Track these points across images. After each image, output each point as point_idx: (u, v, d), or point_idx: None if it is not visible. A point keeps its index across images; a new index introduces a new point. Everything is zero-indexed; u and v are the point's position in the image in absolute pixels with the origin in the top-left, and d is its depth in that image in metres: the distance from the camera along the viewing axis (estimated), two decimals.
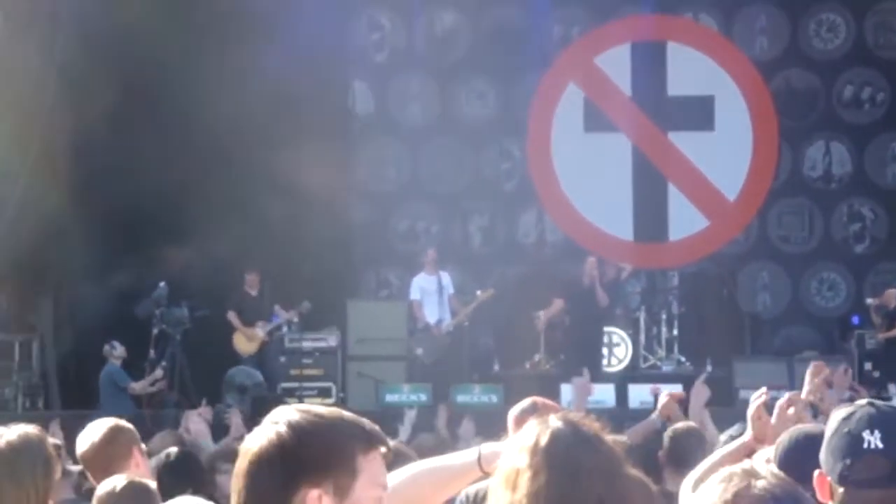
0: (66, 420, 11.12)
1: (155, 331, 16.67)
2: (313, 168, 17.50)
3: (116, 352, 16.22)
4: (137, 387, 16.09)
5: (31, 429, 3.55)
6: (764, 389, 5.24)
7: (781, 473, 2.47)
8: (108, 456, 5.02)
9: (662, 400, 7.68)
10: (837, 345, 17.96)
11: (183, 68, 15.87)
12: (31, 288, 17.89)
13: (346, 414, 2.56)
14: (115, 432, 5.10)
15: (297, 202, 17.19)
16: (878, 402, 3.06)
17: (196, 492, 5.22)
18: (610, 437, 2.95)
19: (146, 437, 10.52)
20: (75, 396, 17.05)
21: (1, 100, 16.20)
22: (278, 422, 2.51)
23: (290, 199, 17.14)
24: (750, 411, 5.11)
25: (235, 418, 10.36)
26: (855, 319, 17.95)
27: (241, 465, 2.52)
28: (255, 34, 16.92)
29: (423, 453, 4.89)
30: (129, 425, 5.19)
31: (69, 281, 17.98)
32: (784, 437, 3.82)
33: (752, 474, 2.40)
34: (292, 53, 16.98)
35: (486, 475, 2.80)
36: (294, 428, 2.49)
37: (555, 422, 2.81)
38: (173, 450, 5.81)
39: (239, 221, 16.89)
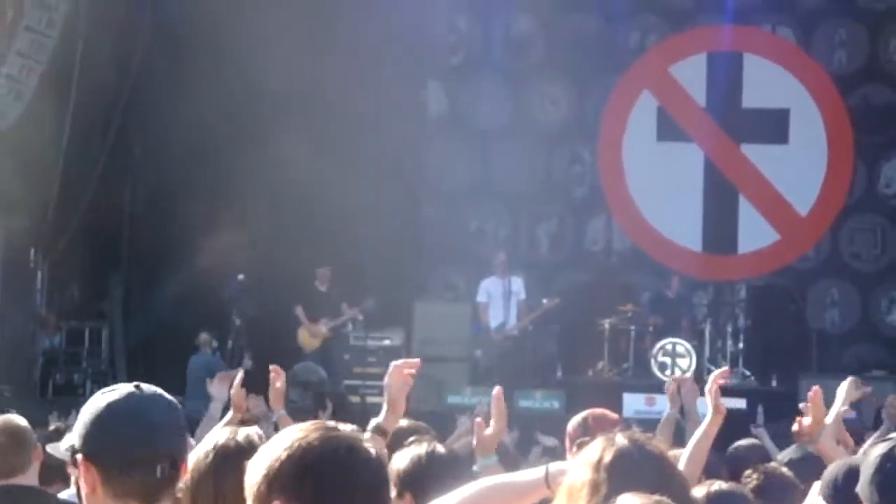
0: None
1: (238, 321, 16.95)
2: (386, 165, 17.61)
3: (214, 343, 16.54)
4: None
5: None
6: (725, 369, 5.25)
7: None
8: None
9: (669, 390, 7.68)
10: None
11: (257, 48, 15.98)
12: (103, 276, 18.12)
13: None
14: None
15: (368, 199, 17.27)
16: None
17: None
18: (672, 454, 2.96)
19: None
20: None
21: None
22: None
23: (362, 196, 17.22)
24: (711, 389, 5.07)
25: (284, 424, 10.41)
26: None
27: None
28: (338, 24, 17.05)
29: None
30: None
31: (141, 270, 18.18)
32: (830, 470, 3.79)
33: None
34: (371, 49, 17.07)
35: (553, 493, 2.82)
36: None
37: (620, 439, 2.83)
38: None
39: (309, 216, 16.99)
